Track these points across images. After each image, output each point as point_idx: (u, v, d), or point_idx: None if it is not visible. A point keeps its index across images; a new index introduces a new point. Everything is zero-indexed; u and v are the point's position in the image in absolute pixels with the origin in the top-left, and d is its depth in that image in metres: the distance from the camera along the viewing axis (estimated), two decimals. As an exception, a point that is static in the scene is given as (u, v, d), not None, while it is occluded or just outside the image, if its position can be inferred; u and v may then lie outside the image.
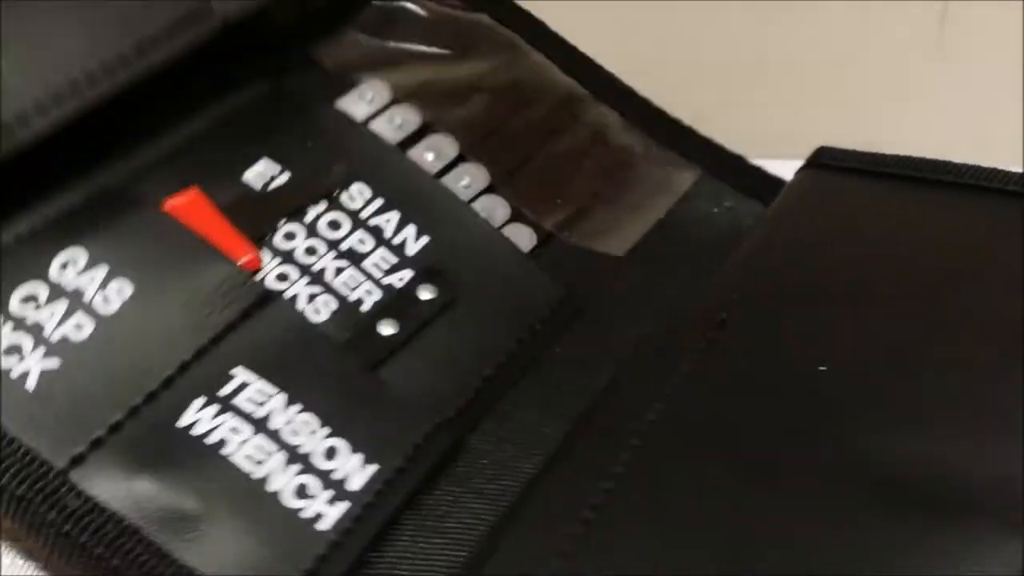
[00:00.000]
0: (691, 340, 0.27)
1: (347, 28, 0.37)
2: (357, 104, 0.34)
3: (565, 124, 0.37)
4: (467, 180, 0.33)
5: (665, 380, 0.26)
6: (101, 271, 0.26)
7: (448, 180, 0.33)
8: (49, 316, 0.25)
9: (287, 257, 0.29)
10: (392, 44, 0.38)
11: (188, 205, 0.28)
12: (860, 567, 0.20)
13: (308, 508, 0.24)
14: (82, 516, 0.22)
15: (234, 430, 0.25)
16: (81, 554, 0.22)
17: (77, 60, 0.28)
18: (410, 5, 0.39)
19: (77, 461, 0.23)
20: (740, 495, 0.22)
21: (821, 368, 0.25)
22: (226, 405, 0.25)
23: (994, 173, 0.29)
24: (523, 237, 0.33)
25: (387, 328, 0.28)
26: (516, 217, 0.33)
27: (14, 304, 0.25)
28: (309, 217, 0.30)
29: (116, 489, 0.23)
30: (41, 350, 0.24)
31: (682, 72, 0.37)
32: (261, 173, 0.30)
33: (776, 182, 0.35)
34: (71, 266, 0.26)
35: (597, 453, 0.25)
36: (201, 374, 0.25)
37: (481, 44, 0.38)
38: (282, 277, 0.28)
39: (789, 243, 0.30)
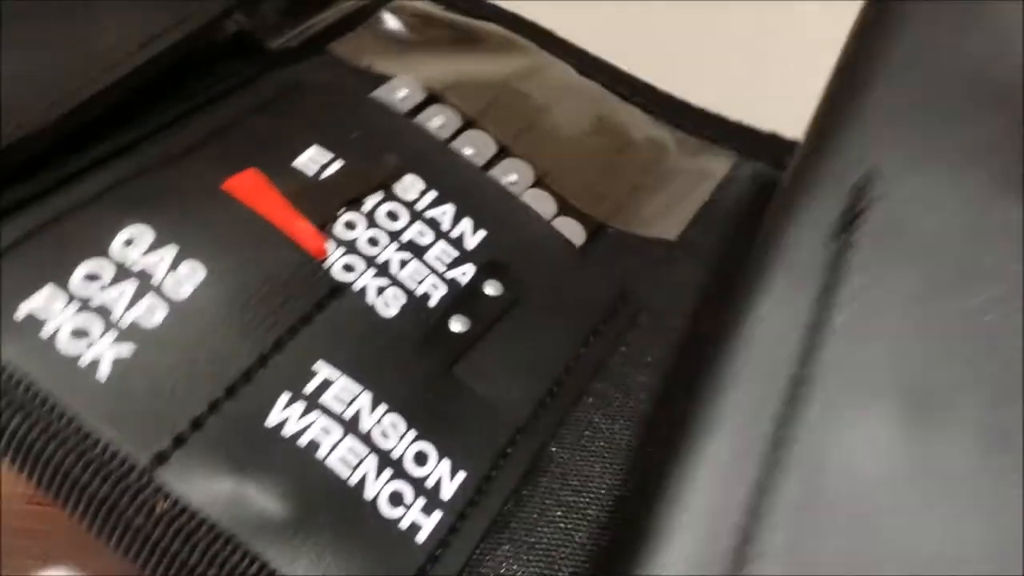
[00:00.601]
0: None
1: (360, 26, 0.36)
2: (391, 99, 0.32)
3: (593, 122, 0.36)
4: (514, 176, 0.32)
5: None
6: (170, 251, 0.23)
7: (495, 174, 0.31)
8: (117, 297, 0.22)
9: (350, 247, 0.26)
10: (408, 42, 0.36)
11: (250, 185, 0.25)
12: None
13: (405, 518, 0.22)
14: (172, 520, 0.20)
15: (325, 430, 0.22)
16: (171, 563, 0.19)
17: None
18: (421, 7, 0.37)
19: (161, 459, 0.20)
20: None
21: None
22: (313, 403, 0.22)
23: None
24: (574, 231, 0.31)
25: (457, 325, 0.26)
26: (564, 211, 0.32)
27: (75, 282, 0.22)
28: (367, 206, 0.27)
29: (205, 491, 0.20)
30: (112, 335, 0.21)
31: (682, 72, 0.37)
32: (312, 159, 0.28)
33: None
34: (136, 243, 0.23)
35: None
36: (282, 367, 0.23)
37: (496, 47, 0.37)
38: (348, 268, 0.26)
39: None
